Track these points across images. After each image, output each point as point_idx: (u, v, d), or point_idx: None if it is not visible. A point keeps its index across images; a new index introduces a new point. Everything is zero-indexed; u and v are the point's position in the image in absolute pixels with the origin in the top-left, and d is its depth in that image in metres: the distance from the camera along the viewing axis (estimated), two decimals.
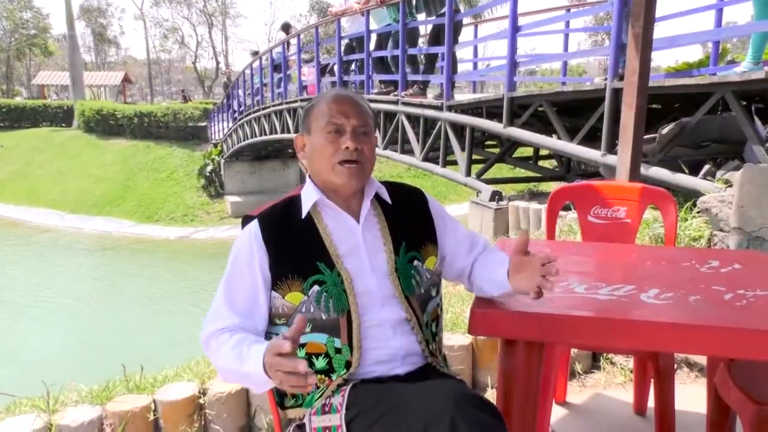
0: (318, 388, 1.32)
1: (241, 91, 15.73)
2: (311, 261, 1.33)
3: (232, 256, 1.37)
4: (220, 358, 1.28)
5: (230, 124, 16.98)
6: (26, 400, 2.23)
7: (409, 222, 1.45)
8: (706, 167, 4.26)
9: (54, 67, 40.57)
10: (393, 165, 16.95)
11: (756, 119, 4.13)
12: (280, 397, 1.41)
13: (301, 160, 1.44)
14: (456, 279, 1.59)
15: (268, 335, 1.38)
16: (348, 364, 1.30)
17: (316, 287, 1.31)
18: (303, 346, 1.31)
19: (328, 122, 1.35)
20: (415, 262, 1.41)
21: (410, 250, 1.41)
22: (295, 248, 1.34)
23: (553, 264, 1.24)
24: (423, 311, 1.39)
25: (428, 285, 1.42)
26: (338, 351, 1.30)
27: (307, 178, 1.43)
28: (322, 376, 1.32)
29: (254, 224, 1.37)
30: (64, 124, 25.89)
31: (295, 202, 1.41)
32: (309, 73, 10.79)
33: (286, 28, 12.71)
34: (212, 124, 20.64)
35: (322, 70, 10.03)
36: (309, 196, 1.39)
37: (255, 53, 16.59)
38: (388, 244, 1.39)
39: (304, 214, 1.37)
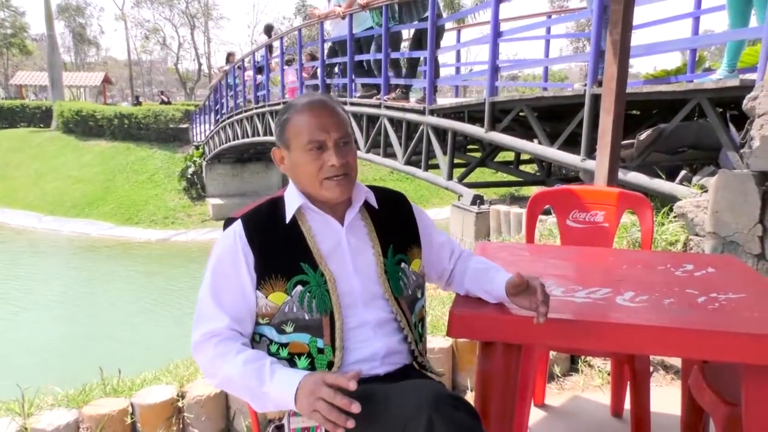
0: None
1: (224, 92, 15.64)
2: (295, 261, 1.33)
3: (215, 257, 1.36)
4: (223, 368, 1.27)
5: (211, 126, 16.86)
6: (0, 404, 2.20)
7: (396, 225, 1.47)
8: (683, 173, 4.33)
9: (32, 67, 39.99)
10: (376, 168, 16.98)
11: (731, 126, 4.21)
12: None
13: (282, 171, 1.43)
14: (435, 282, 1.62)
15: (251, 335, 1.38)
16: (330, 365, 1.31)
17: (299, 287, 1.31)
18: (286, 345, 1.32)
19: (309, 140, 1.32)
20: (402, 265, 1.43)
21: (397, 252, 1.43)
22: (278, 248, 1.34)
23: (544, 305, 1.30)
24: (411, 312, 1.41)
25: (414, 287, 1.44)
26: (321, 351, 1.31)
27: (291, 182, 1.43)
28: None
29: (238, 224, 1.37)
30: (42, 125, 25.52)
31: (278, 204, 1.41)
32: (289, 73, 10.79)
33: (268, 30, 12.68)
34: (194, 126, 20.47)
35: (287, 62, 9.99)
36: (293, 200, 1.38)
37: (230, 55, 16.54)
38: (377, 247, 1.41)
39: (288, 219, 1.37)
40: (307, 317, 1.30)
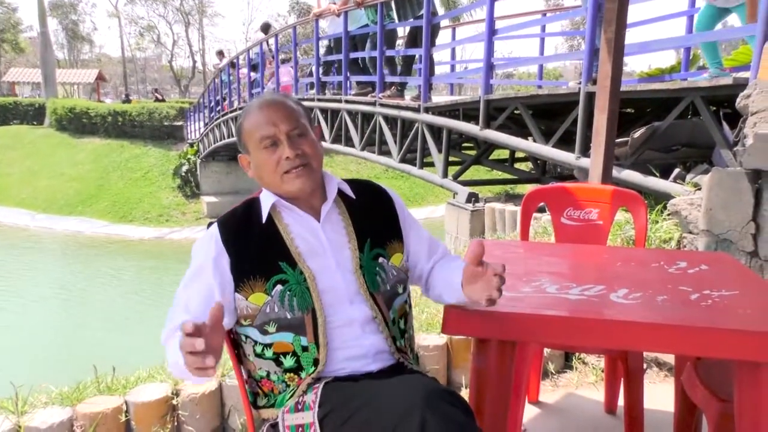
0: (288, 387, 1.32)
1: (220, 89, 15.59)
2: (273, 261, 1.32)
3: (192, 259, 1.36)
4: (169, 353, 1.27)
5: (205, 123, 16.80)
6: None
7: (374, 219, 1.45)
8: (677, 170, 4.34)
9: (25, 64, 39.76)
10: (371, 166, 16.98)
11: (724, 124, 4.22)
12: (253, 396, 1.41)
13: (252, 177, 1.43)
14: (415, 283, 1.57)
15: (237, 335, 1.38)
16: (316, 362, 1.30)
17: (279, 286, 1.30)
18: (270, 346, 1.31)
19: (260, 137, 1.34)
20: (380, 259, 1.40)
21: (375, 247, 1.41)
22: (255, 249, 1.34)
23: (500, 277, 1.22)
24: (389, 308, 1.38)
25: (394, 282, 1.41)
26: (305, 349, 1.31)
27: None
28: (292, 374, 1.32)
29: (213, 227, 1.37)
30: (35, 122, 25.35)
31: (254, 205, 1.40)
32: (284, 74, 10.76)
33: (265, 28, 12.64)
34: (188, 123, 20.40)
35: (282, 61, 9.97)
36: (267, 199, 1.38)
37: (220, 52, 16.49)
38: (353, 242, 1.39)
39: (264, 218, 1.36)
40: (288, 316, 1.30)
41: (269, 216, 1.37)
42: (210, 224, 1.41)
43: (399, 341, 1.39)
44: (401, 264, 1.45)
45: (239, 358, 1.42)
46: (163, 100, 26.68)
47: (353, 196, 1.45)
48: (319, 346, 1.30)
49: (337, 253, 1.37)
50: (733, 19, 4.59)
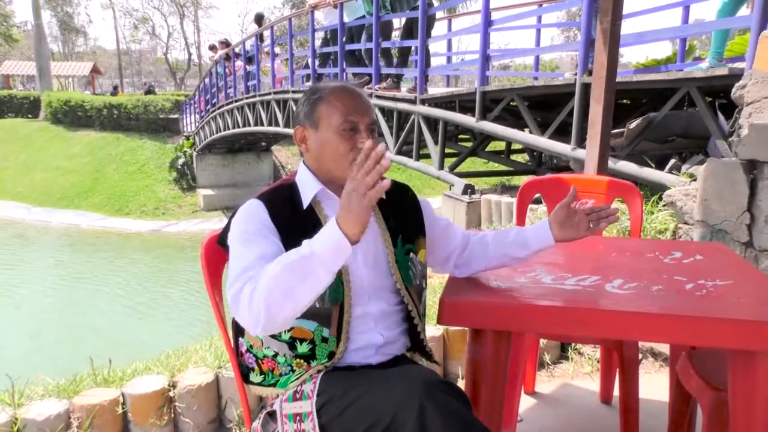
0: (294, 372, 1.33)
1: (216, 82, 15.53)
2: None
3: (241, 226, 1.29)
4: (262, 281, 1.14)
5: (200, 116, 16.74)
6: None
7: (403, 215, 1.47)
8: (672, 161, 4.35)
9: (19, 56, 39.50)
10: None
11: (720, 114, 4.23)
12: (246, 371, 1.41)
13: (303, 152, 1.41)
14: (439, 265, 1.60)
15: None
16: (331, 354, 1.31)
17: None
18: (290, 329, 1.30)
19: (344, 120, 1.33)
20: (411, 255, 1.44)
21: (406, 242, 1.44)
22: (298, 232, 1.29)
23: (607, 210, 1.44)
24: (420, 301, 1.43)
25: (420, 277, 1.45)
26: (324, 340, 1.31)
27: (302, 167, 1.41)
28: (302, 360, 1.32)
29: (257, 203, 1.33)
30: (30, 115, 25.25)
31: (294, 189, 1.39)
32: (279, 69, 10.74)
33: (259, 19, 12.58)
34: (184, 116, 20.33)
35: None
36: (309, 186, 1.37)
37: (212, 47, 16.41)
38: (387, 238, 1.41)
39: (305, 204, 1.36)
40: (318, 305, 1.29)
41: (309, 204, 1.36)
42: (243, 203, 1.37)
43: (424, 333, 1.44)
44: (425, 259, 1.49)
45: (239, 329, 1.40)
46: (153, 93, 26.59)
47: (384, 197, 1.44)
48: (339, 340, 1.31)
49: (366, 249, 1.37)
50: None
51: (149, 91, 27.16)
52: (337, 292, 1.31)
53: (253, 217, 1.31)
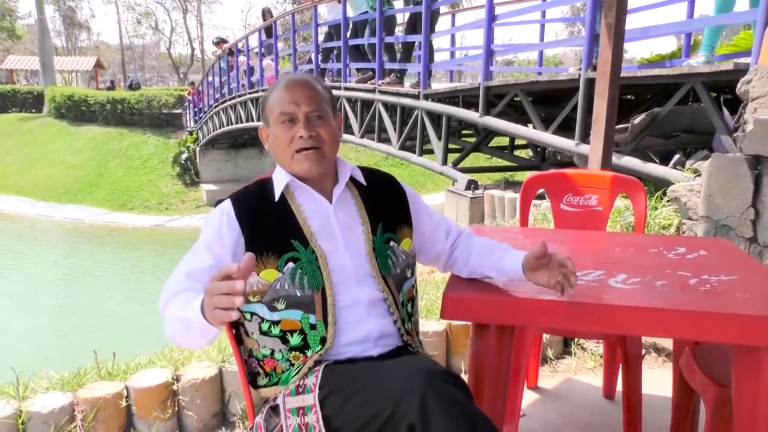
0: (293, 366, 1.33)
1: (216, 78, 15.52)
2: (285, 239, 1.34)
3: (203, 231, 1.37)
4: (167, 312, 1.26)
5: (204, 111, 16.73)
6: None
7: (385, 204, 1.48)
8: (676, 157, 4.34)
9: (23, 51, 39.48)
10: (370, 154, 16.93)
11: (724, 110, 4.21)
12: (253, 377, 1.42)
13: (268, 150, 1.46)
14: (432, 263, 1.63)
15: (240, 314, 1.37)
16: (323, 340, 1.31)
17: (290, 264, 1.32)
18: (278, 323, 1.32)
19: (280, 113, 1.37)
20: (391, 243, 1.44)
21: (386, 231, 1.44)
22: (269, 226, 1.35)
23: (571, 273, 1.32)
24: (399, 291, 1.41)
25: (403, 266, 1.44)
26: (313, 327, 1.32)
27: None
28: (298, 353, 1.33)
29: (227, 203, 1.38)
30: (34, 110, 25.27)
31: (267, 184, 1.42)
32: (269, 67, 10.75)
33: (265, 14, 12.55)
34: (187, 111, 20.33)
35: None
36: (280, 179, 1.40)
37: (217, 41, 16.40)
38: (366, 224, 1.42)
39: (277, 197, 1.38)
40: (299, 294, 1.31)
41: (282, 195, 1.39)
42: (217, 203, 1.41)
43: (407, 324, 1.42)
44: (410, 249, 1.48)
45: (239, 338, 1.42)
46: (138, 87, 26.57)
47: (364, 183, 1.48)
48: (327, 324, 1.32)
49: (347, 236, 1.39)
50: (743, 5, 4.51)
51: (131, 86, 27.19)
52: (315, 278, 1.32)
53: (210, 225, 1.37)
